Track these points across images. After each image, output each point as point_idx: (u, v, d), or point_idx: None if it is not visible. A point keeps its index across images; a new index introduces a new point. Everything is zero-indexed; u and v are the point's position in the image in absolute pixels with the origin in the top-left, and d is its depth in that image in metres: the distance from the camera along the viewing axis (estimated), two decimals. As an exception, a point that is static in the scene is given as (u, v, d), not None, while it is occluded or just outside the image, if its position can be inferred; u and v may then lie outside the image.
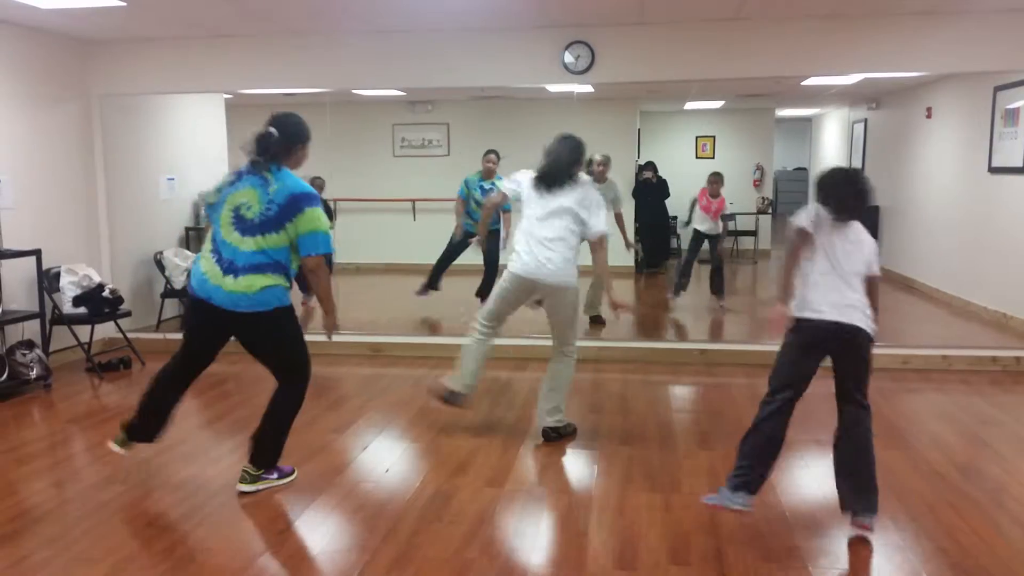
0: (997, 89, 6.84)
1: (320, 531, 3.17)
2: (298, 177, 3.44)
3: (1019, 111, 6.49)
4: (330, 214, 7.96)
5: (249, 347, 3.50)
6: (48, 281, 5.56)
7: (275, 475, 3.60)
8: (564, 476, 3.76)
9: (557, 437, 4.15)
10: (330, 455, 3.97)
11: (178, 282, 6.56)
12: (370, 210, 10.34)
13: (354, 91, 6.80)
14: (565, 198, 4.01)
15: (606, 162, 6.66)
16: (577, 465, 3.87)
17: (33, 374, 5.16)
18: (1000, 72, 6.41)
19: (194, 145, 7.19)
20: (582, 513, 3.30)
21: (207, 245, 3.44)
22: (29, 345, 5.28)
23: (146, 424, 3.64)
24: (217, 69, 6.07)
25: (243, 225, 3.33)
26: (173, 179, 7.04)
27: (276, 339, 3.49)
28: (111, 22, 5.54)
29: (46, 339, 5.49)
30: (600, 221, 4.06)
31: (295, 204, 3.32)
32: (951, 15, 5.27)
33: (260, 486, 3.54)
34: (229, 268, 3.32)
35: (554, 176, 4.04)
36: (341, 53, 5.95)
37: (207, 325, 3.47)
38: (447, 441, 4.18)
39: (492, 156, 7.03)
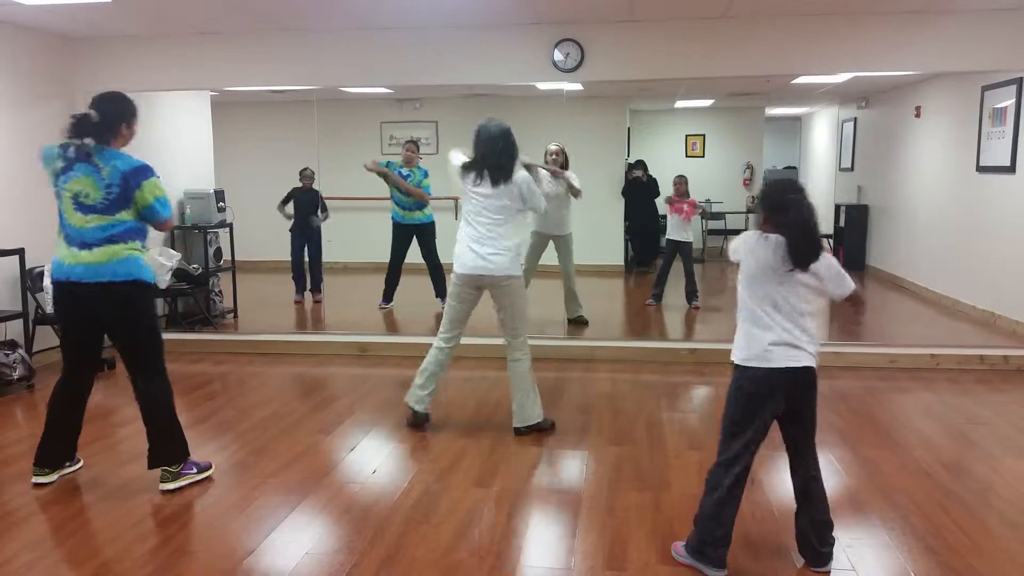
0: (985, 88, 6.86)
1: (306, 533, 3.14)
2: (124, 153, 3.48)
3: (1007, 110, 6.52)
4: (324, 207, 7.98)
5: (110, 330, 3.51)
6: (31, 280, 5.51)
7: (194, 469, 3.60)
8: (553, 476, 3.73)
9: (526, 431, 4.23)
10: (316, 457, 3.94)
11: (163, 282, 6.47)
12: (357, 208, 10.28)
13: (341, 88, 6.80)
14: (506, 193, 4.05)
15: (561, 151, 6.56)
16: (566, 465, 3.85)
17: (16, 375, 5.11)
18: (988, 71, 6.43)
19: (179, 143, 7.13)
20: (571, 513, 3.28)
21: (59, 234, 3.45)
22: (12, 345, 5.22)
23: (55, 448, 3.61)
24: (203, 66, 6.02)
25: (85, 208, 3.38)
26: (158, 177, 6.96)
27: (134, 316, 3.47)
28: (96, 19, 5.49)
29: (29, 339, 5.43)
30: (538, 199, 4.17)
31: (131, 181, 3.42)
32: (940, 14, 5.28)
33: (182, 483, 3.55)
34: (83, 245, 3.37)
35: (493, 170, 4.05)
36: (328, 50, 5.91)
37: (72, 308, 3.47)
38: (435, 442, 4.16)
39: (411, 145, 7.33)
